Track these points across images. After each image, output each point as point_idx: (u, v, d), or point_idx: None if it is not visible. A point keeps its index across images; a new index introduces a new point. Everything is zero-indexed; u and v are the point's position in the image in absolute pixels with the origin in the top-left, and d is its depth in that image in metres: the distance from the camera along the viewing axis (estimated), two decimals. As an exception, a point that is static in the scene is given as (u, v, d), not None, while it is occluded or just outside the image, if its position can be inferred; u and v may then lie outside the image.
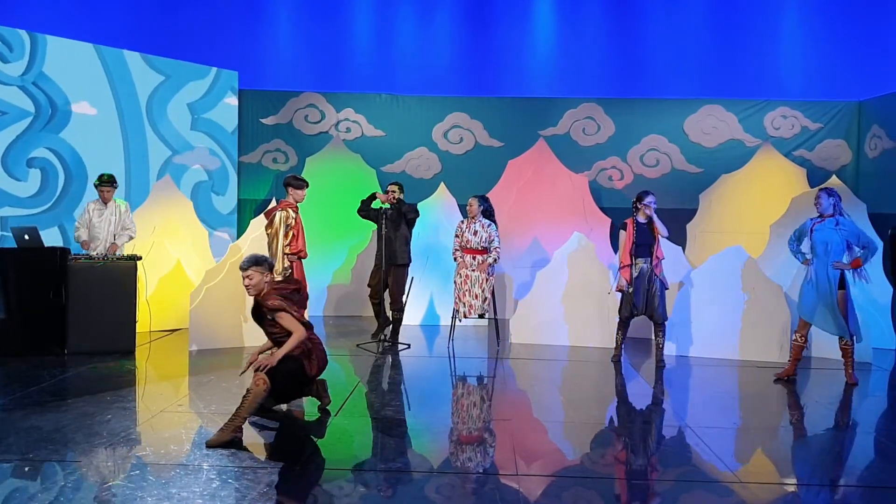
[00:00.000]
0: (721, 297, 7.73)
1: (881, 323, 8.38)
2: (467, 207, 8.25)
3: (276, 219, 7.14)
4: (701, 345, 7.84)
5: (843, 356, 6.66)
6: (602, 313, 8.23)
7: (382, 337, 8.16)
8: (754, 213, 9.57)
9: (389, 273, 8.02)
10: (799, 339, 6.73)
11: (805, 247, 6.79)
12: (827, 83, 11.26)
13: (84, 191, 9.23)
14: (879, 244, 6.58)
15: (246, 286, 5.04)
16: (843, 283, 6.46)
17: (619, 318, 7.41)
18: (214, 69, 10.52)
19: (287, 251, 7.07)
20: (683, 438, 5.05)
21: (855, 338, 6.57)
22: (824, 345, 7.79)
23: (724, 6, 11.65)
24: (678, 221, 10.07)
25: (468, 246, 8.08)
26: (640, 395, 6.36)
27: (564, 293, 8.41)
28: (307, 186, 7.32)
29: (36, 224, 8.16)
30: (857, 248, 6.48)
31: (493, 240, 8.04)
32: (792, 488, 4.19)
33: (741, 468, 4.46)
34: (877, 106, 10.19)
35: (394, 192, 8.01)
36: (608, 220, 10.16)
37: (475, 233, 8.06)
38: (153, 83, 9.91)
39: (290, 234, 7.07)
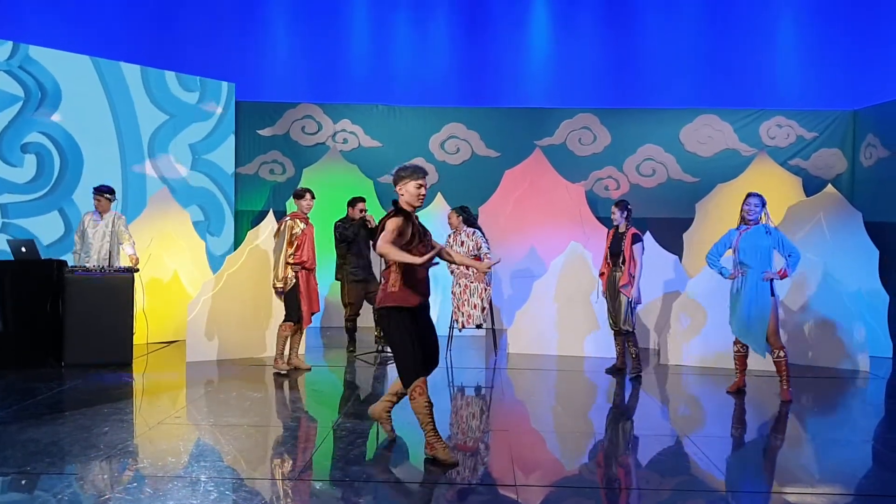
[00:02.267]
0: (718, 306, 7.73)
1: (878, 332, 8.40)
2: (448, 222, 8.31)
3: (281, 227, 7.19)
4: (698, 353, 7.85)
5: (776, 370, 6.41)
6: (599, 323, 8.24)
7: (380, 347, 8.16)
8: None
9: (370, 287, 8.09)
10: (740, 349, 6.60)
11: (726, 261, 6.61)
12: (822, 93, 11.31)
13: (81, 174, 9.22)
14: (800, 254, 6.40)
15: (424, 194, 4.58)
16: (772, 291, 6.29)
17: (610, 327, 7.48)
18: (218, 111, 10.55)
19: (291, 261, 7.09)
20: (681, 447, 5.06)
21: (784, 351, 6.33)
22: (820, 354, 7.81)
23: (719, 17, 11.72)
24: (675, 231, 10.11)
25: None
26: (637, 405, 6.36)
27: (562, 303, 8.42)
28: (309, 195, 7.28)
29: (36, 209, 8.19)
30: (783, 258, 6.35)
31: (481, 246, 8.04)
32: (789, 497, 4.19)
33: (738, 477, 4.46)
34: (871, 115, 10.24)
35: (365, 210, 8.16)
36: (605, 230, 10.15)
37: (462, 243, 8.10)
38: (157, 121, 9.94)
39: (296, 243, 7.09)
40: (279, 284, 7.11)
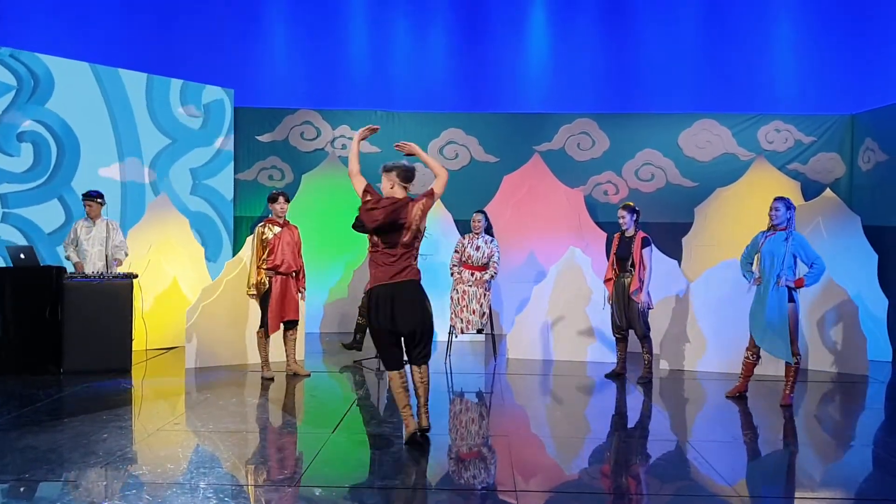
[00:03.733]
0: (717, 310, 7.73)
1: (877, 335, 8.40)
2: (472, 223, 8.28)
3: (253, 234, 7.21)
4: (697, 358, 7.84)
5: (784, 374, 6.38)
6: (598, 328, 8.24)
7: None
8: (749, 227, 9.53)
9: None
10: (750, 357, 6.56)
11: (755, 265, 6.57)
12: (820, 97, 11.31)
13: (78, 161, 9.18)
14: (825, 266, 6.32)
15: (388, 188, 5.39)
16: (791, 297, 6.23)
17: (613, 333, 7.47)
18: (220, 140, 10.58)
19: (264, 266, 7.07)
20: (682, 453, 5.05)
21: (799, 358, 6.31)
22: (819, 359, 7.81)
23: (717, 21, 11.73)
24: (674, 235, 10.11)
25: (469, 262, 8.13)
26: (637, 410, 6.36)
27: (561, 308, 8.41)
28: (283, 199, 7.22)
29: (35, 198, 8.35)
30: (805, 265, 6.28)
31: (494, 254, 8.10)
32: (790, 501, 4.18)
33: (739, 482, 4.46)
34: (869, 119, 10.25)
35: None
36: (604, 235, 10.18)
37: (477, 248, 8.11)
38: (160, 145, 9.93)
39: (268, 248, 7.08)
40: (250, 291, 7.11)
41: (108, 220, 7.96)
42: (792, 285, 6.22)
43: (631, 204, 7.31)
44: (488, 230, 8.30)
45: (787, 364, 6.31)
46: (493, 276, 8.12)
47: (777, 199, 6.37)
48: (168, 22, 11.53)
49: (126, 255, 8.01)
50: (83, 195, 7.89)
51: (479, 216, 8.26)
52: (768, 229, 6.43)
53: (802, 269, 6.41)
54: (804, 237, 6.45)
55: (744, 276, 6.64)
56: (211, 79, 10.72)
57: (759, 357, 6.56)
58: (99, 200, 7.85)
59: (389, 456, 4.86)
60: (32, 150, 8.91)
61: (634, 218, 7.22)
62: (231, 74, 11.34)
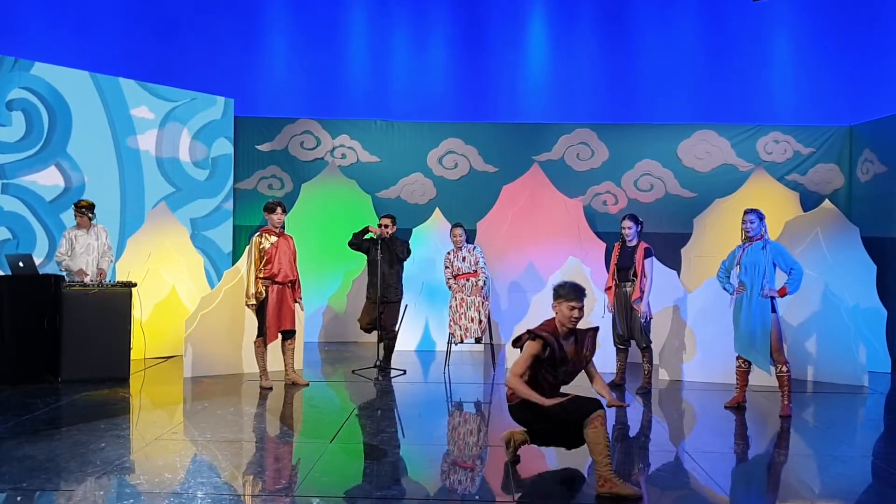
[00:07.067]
0: (716, 321, 7.72)
1: (876, 347, 8.39)
2: (452, 239, 8.32)
3: (250, 244, 7.22)
4: (696, 369, 7.83)
5: (778, 385, 6.41)
6: (599, 338, 8.21)
7: (377, 362, 8.11)
8: (748, 238, 9.60)
9: (383, 309, 8.01)
10: (742, 365, 6.59)
11: (733, 277, 6.63)
12: (819, 108, 11.34)
13: (70, 126, 9.11)
14: (803, 270, 6.40)
15: (578, 318, 4.58)
16: (773, 307, 6.31)
17: (614, 344, 7.47)
18: (225, 191, 10.63)
19: (261, 275, 7.07)
20: (680, 463, 5.04)
21: (788, 366, 6.35)
22: (818, 369, 7.80)
23: (716, 33, 11.78)
24: (672, 246, 10.12)
25: (459, 273, 8.20)
26: (636, 420, 6.34)
27: (560, 318, 8.40)
28: (280, 209, 7.24)
29: (33, 166, 8.44)
30: (785, 273, 6.35)
31: (479, 260, 8.20)
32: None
33: (738, 493, 4.45)
34: (868, 130, 10.28)
35: (387, 226, 8.01)
36: (603, 245, 10.19)
37: (463, 259, 8.24)
38: (163, 191, 9.93)
39: (265, 258, 7.08)
40: (250, 301, 7.09)
41: (97, 226, 7.95)
42: (776, 295, 6.28)
43: (634, 214, 7.37)
44: (469, 239, 8.38)
45: (780, 375, 6.33)
46: (485, 282, 8.19)
47: (749, 210, 6.51)
48: (169, 32, 11.56)
49: (110, 263, 8.01)
50: (76, 205, 7.85)
51: (459, 230, 8.33)
52: (744, 241, 6.52)
53: (781, 278, 6.47)
54: (779, 244, 6.54)
55: (724, 289, 6.69)
56: (212, 88, 10.74)
57: (750, 364, 6.58)
58: (90, 214, 7.83)
59: (387, 466, 4.85)
60: (24, 118, 8.80)
61: (638, 229, 7.26)
62: (231, 83, 11.37)
